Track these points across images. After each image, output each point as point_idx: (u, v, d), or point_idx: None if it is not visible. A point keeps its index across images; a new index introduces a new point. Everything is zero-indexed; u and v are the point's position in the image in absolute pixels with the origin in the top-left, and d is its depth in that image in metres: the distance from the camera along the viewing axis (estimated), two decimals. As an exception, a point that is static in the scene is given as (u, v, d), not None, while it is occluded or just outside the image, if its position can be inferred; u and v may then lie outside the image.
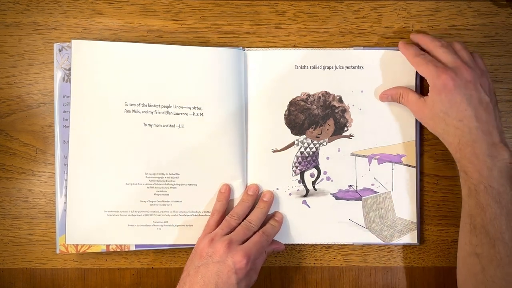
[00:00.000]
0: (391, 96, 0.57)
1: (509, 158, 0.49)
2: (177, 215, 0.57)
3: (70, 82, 0.57)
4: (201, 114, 0.57)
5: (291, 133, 0.58)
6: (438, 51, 0.53)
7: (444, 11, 0.60)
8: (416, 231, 0.58)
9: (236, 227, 0.54)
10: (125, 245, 0.57)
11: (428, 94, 0.53)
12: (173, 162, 0.57)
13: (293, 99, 0.58)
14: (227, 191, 0.57)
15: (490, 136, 0.49)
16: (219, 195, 0.57)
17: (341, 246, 0.60)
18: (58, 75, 0.57)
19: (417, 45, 0.56)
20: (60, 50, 0.57)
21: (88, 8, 0.59)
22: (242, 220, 0.55)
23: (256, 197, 0.57)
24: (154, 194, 0.57)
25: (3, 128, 0.59)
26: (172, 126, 0.56)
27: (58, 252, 0.57)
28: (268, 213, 0.57)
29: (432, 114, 0.52)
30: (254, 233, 0.54)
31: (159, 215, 0.57)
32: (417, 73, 0.57)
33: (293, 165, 0.58)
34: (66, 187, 0.56)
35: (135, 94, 0.56)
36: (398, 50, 0.57)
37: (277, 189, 0.58)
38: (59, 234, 0.57)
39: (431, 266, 0.60)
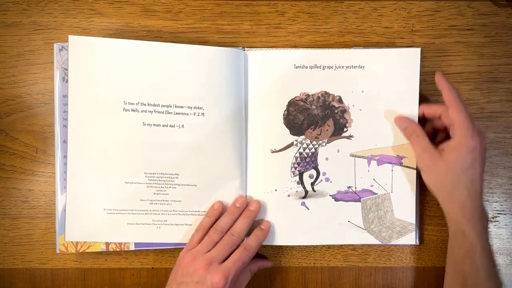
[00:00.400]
0: (404, 129, 0.55)
1: (488, 219, 0.53)
2: (176, 214, 0.57)
3: (70, 82, 0.57)
4: (203, 114, 0.57)
5: (290, 133, 0.58)
6: (465, 110, 0.52)
7: (444, 11, 0.60)
8: (414, 232, 0.58)
9: (218, 241, 0.53)
10: (124, 244, 0.57)
11: (444, 147, 0.52)
12: (173, 162, 0.57)
13: (292, 99, 0.58)
14: (220, 208, 0.56)
15: (482, 199, 0.52)
16: (210, 211, 0.56)
17: (341, 246, 0.60)
18: (58, 75, 0.57)
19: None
20: (60, 50, 0.57)
21: (88, 8, 0.59)
22: (226, 232, 0.54)
23: (243, 209, 0.56)
24: (154, 193, 0.57)
25: (3, 128, 0.59)
26: (172, 126, 0.56)
27: (58, 251, 0.57)
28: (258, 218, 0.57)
29: (448, 168, 0.51)
30: (239, 245, 0.54)
31: (158, 214, 0.57)
32: (419, 75, 0.57)
33: (292, 166, 0.58)
34: (66, 187, 0.56)
35: (133, 92, 0.56)
36: (399, 49, 0.57)
37: (276, 190, 0.58)
38: (59, 233, 0.57)
39: (431, 266, 0.60)
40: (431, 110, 0.55)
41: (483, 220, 0.51)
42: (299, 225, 0.58)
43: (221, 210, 0.56)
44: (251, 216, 0.55)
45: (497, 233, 0.59)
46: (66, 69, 0.57)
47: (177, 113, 0.56)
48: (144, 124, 0.56)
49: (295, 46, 0.59)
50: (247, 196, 0.58)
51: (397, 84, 0.57)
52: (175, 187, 0.57)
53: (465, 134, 0.51)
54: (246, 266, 0.54)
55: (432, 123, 0.57)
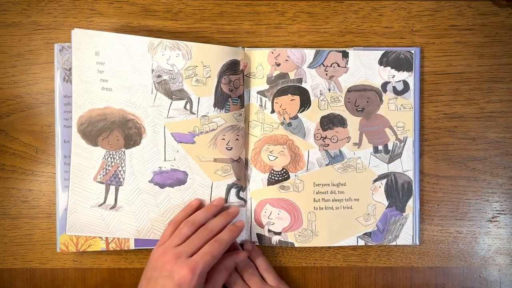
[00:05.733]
0: None
1: None
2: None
3: (70, 82, 0.57)
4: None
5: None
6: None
7: (444, 11, 0.60)
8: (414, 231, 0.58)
9: (189, 235, 0.52)
10: (124, 243, 0.57)
11: None
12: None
13: None
14: (196, 205, 0.56)
15: None
16: (186, 207, 0.56)
17: (341, 246, 0.60)
18: (58, 75, 0.57)
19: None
20: (60, 51, 0.57)
21: (88, 8, 0.59)
22: (198, 228, 0.53)
23: (219, 209, 0.56)
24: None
25: (3, 128, 0.59)
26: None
27: (58, 250, 0.57)
28: None
29: None
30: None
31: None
32: (420, 75, 0.57)
33: None
34: (67, 186, 0.56)
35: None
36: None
37: None
38: (60, 232, 0.57)
39: (431, 266, 0.60)
40: None
41: None
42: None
43: (198, 208, 0.56)
44: (229, 217, 0.55)
45: (497, 233, 0.59)
46: (67, 69, 0.57)
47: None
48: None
49: (295, 46, 0.59)
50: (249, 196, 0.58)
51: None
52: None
53: None
54: (220, 265, 0.53)
55: None
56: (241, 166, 0.57)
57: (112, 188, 0.56)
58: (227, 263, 0.54)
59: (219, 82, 0.56)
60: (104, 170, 0.56)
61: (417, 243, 0.58)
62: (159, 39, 0.56)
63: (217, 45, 0.57)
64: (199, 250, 0.50)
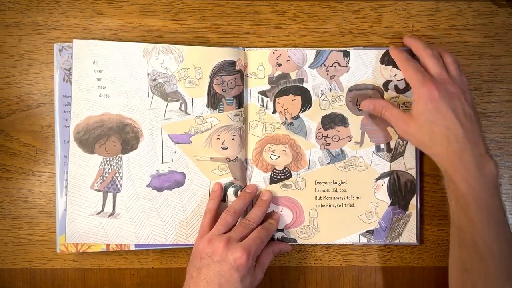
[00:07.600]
0: (373, 109, 0.56)
1: (495, 169, 0.49)
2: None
3: (70, 82, 0.57)
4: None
5: None
6: (428, 60, 0.53)
7: (444, 11, 0.60)
8: (415, 231, 0.58)
9: (232, 223, 0.54)
10: (125, 244, 0.57)
11: (412, 105, 0.53)
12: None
13: None
14: (219, 189, 0.56)
15: (476, 147, 0.49)
16: (211, 193, 0.57)
17: (341, 246, 0.60)
18: (58, 75, 0.57)
19: (409, 49, 0.57)
20: (60, 51, 0.57)
21: (88, 8, 0.59)
22: (239, 217, 0.55)
23: (253, 195, 0.57)
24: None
25: (3, 128, 0.59)
26: None
27: (58, 251, 0.57)
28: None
29: (419, 124, 0.51)
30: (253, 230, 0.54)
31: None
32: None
33: None
34: (66, 186, 0.56)
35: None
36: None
37: None
38: (60, 233, 0.57)
39: (431, 266, 0.60)
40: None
41: (478, 169, 0.48)
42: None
43: (221, 191, 0.57)
44: (265, 205, 0.56)
45: (497, 233, 0.59)
46: (67, 69, 0.57)
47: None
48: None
49: (295, 46, 0.59)
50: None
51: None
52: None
53: (415, 86, 0.52)
54: (268, 248, 0.55)
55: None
56: (238, 165, 0.57)
57: (110, 195, 0.56)
58: (275, 248, 0.56)
59: (211, 83, 0.57)
60: (101, 177, 0.56)
61: (417, 243, 0.58)
62: (153, 44, 0.57)
63: (208, 47, 0.58)
64: (248, 237, 0.52)
